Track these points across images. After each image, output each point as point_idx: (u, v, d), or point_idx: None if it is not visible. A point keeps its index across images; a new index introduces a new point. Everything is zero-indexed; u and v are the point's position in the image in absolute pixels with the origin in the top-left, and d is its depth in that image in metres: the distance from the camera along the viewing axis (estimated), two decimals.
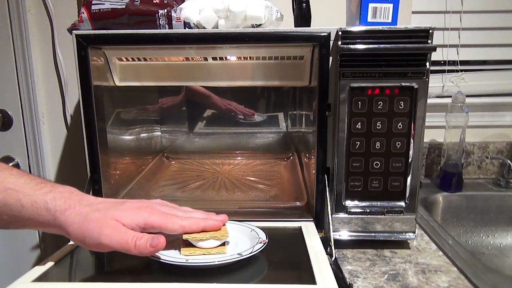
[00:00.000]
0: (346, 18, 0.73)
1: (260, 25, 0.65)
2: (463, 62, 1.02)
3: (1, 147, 0.97)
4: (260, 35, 0.62)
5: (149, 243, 0.45)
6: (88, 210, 0.46)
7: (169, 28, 0.68)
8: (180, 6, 0.67)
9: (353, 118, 0.62)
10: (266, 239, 0.54)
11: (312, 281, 0.47)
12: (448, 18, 1.00)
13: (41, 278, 0.48)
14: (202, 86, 0.97)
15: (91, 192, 0.68)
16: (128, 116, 0.83)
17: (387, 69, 0.60)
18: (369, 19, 0.63)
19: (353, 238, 0.66)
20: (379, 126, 0.62)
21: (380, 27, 0.60)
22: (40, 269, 0.50)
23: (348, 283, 0.51)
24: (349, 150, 0.63)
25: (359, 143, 0.63)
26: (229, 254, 0.51)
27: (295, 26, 0.72)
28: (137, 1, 0.68)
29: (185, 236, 0.52)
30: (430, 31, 0.59)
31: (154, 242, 0.45)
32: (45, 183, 0.48)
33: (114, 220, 0.46)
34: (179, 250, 0.53)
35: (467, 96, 0.91)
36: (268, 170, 0.95)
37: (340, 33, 0.60)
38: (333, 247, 0.59)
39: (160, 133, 1.02)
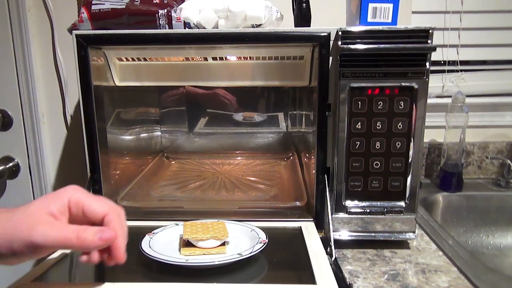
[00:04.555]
0: (346, 18, 0.73)
1: (260, 25, 0.65)
2: (463, 62, 1.02)
3: (1, 147, 0.97)
4: (260, 35, 0.62)
5: (98, 236, 0.39)
6: (14, 213, 0.40)
7: (169, 28, 0.68)
8: (180, 6, 0.67)
9: (353, 118, 0.62)
10: (266, 239, 0.55)
11: (312, 281, 0.47)
12: (448, 18, 1.00)
13: (41, 278, 0.48)
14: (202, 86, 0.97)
15: (91, 192, 0.68)
16: (128, 116, 0.83)
17: (387, 69, 0.60)
18: (369, 19, 0.63)
19: (353, 238, 0.66)
20: (379, 126, 0.62)
21: (380, 27, 0.60)
22: (40, 269, 0.50)
23: (348, 283, 0.51)
24: (349, 150, 0.63)
25: (359, 143, 0.63)
26: (229, 254, 0.51)
27: (295, 26, 0.72)
28: (137, 1, 0.69)
29: (185, 236, 0.52)
30: (430, 31, 0.59)
31: (104, 235, 0.40)
32: None
33: (47, 215, 0.39)
34: (179, 250, 0.53)
35: (467, 96, 0.91)
36: (268, 170, 0.95)
37: (340, 33, 0.60)
38: (333, 247, 0.59)
39: (160, 133, 1.02)
